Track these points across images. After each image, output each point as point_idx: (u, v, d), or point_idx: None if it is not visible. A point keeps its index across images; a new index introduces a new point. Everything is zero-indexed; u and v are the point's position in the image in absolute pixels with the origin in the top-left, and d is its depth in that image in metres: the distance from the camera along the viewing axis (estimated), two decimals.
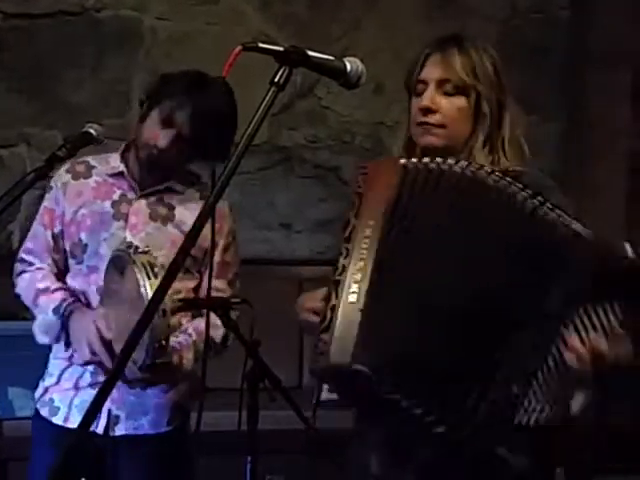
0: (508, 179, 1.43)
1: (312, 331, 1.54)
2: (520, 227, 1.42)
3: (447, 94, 1.55)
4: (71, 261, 2.03)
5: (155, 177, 2.01)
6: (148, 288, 1.70)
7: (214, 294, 2.01)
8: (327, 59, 1.37)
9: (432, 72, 1.56)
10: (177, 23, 3.82)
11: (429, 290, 1.41)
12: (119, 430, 1.99)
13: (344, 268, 1.45)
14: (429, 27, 3.83)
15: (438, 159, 1.46)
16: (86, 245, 1.99)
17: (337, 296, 1.44)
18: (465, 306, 1.39)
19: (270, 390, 1.76)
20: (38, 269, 2.05)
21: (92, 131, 1.90)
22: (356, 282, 1.43)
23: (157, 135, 1.92)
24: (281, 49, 1.30)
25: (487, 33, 1.63)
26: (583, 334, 1.36)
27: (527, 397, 1.36)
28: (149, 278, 1.72)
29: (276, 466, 2.74)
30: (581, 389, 1.38)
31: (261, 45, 1.30)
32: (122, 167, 2.03)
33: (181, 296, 1.98)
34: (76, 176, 2.02)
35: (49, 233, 2.04)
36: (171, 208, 2.03)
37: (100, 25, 3.73)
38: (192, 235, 1.25)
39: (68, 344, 1.98)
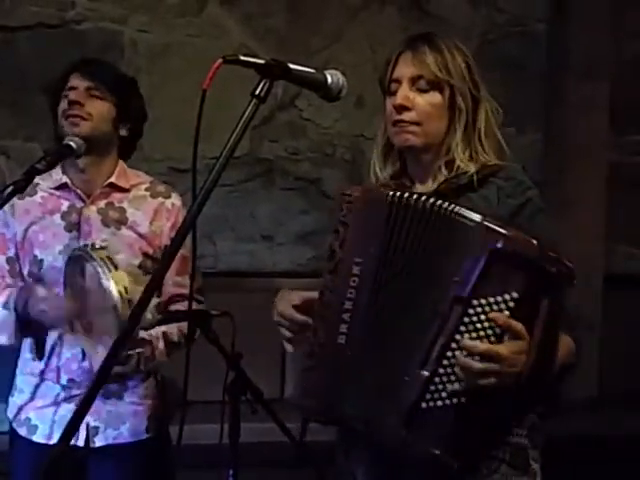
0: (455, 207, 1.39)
1: (284, 336, 1.55)
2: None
3: (421, 91, 1.53)
4: (30, 280, 2.00)
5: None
6: (111, 280, 1.72)
7: (178, 290, 2.04)
8: (308, 72, 1.37)
9: (404, 70, 1.55)
10: (158, 35, 3.83)
11: (399, 329, 1.41)
12: (99, 441, 1.98)
13: (330, 304, 1.46)
14: None
15: (423, 196, 1.43)
16: (42, 260, 1.98)
17: (325, 333, 1.45)
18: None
19: (252, 402, 1.76)
20: None
21: (72, 144, 1.89)
22: (345, 322, 1.44)
23: None
24: (262, 62, 1.31)
25: (466, 46, 1.64)
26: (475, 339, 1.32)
27: (433, 383, 1.35)
28: (109, 270, 1.73)
29: (258, 479, 2.73)
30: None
31: (242, 58, 1.30)
32: (65, 179, 2.02)
33: (156, 302, 2.00)
34: (21, 196, 1.97)
35: (2, 258, 2.01)
36: (122, 211, 2.03)
37: (81, 37, 3.73)
38: (171, 252, 1.26)
39: (26, 334, 1.94)
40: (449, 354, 1.34)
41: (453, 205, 1.40)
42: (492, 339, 1.32)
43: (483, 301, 1.33)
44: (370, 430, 1.42)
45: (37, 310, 1.87)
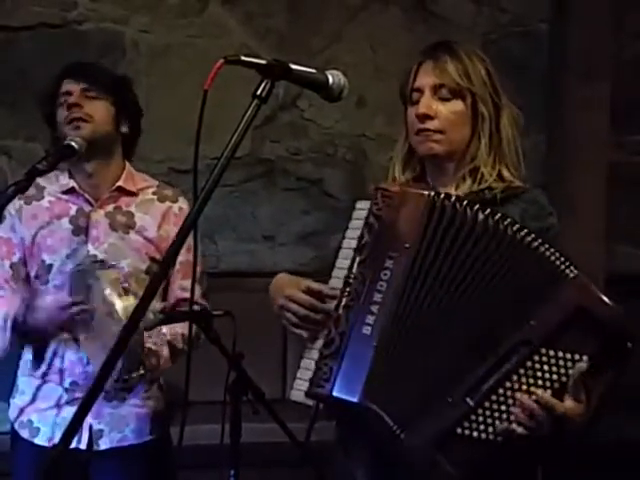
0: (523, 229, 1.40)
1: (287, 320, 1.53)
2: (524, 267, 1.40)
3: (443, 99, 1.55)
4: (37, 283, 2.00)
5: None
6: (120, 308, 1.72)
7: (184, 294, 2.04)
8: (309, 72, 1.37)
9: (426, 79, 1.56)
10: (159, 36, 3.83)
11: (440, 337, 1.41)
12: (104, 444, 1.98)
13: (358, 295, 1.45)
14: (410, 40, 3.86)
15: (464, 201, 1.44)
16: (50, 265, 1.97)
17: (348, 323, 1.44)
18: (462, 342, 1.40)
19: (253, 403, 1.76)
20: None
21: (74, 144, 1.89)
22: (372, 314, 1.43)
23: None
24: (264, 62, 1.30)
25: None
26: (538, 383, 1.33)
27: (475, 413, 1.35)
28: (120, 296, 1.74)
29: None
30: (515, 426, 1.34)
31: (244, 58, 1.30)
32: (72, 183, 2.02)
33: (160, 305, 2.00)
34: (28, 200, 1.99)
35: (6, 263, 2.01)
36: (130, 215, 2.03)
37: (82, 37, 3.73)
38: (172, 252, 1.27)
39: (26, 338, 1.95)
40: (500, 391, 1.35)
41: (542, 241, 1.39)
42: (548, 392, 1.33)
43: (552, 352, 1.33)
44: (388, 432, 1.40)
45: (40, 318, 1.88)
